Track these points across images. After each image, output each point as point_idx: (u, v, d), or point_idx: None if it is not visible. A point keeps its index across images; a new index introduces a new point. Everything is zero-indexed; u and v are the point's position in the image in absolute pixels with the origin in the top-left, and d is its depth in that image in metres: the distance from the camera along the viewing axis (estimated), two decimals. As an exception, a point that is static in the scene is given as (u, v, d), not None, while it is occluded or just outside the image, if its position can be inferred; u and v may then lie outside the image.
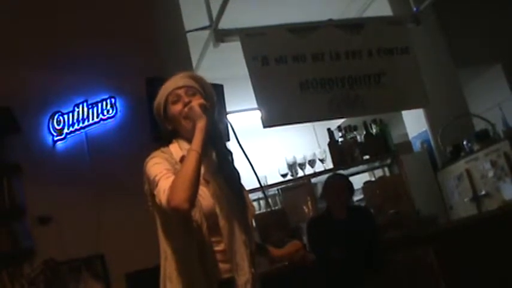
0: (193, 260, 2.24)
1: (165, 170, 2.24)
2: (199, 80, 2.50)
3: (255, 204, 3.77)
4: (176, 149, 2.40)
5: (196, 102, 2.33)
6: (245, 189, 2.52)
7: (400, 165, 6.00)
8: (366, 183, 6.18)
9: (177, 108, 2.39)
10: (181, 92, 2.41)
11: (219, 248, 2.29)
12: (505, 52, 7.66)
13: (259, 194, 5.68)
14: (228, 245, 2.29)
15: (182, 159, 2.28)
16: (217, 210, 2.30)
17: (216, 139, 2.43)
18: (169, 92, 2.42)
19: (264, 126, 5.25)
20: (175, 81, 2.45)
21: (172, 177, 2.16)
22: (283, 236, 5.03)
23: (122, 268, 4.35)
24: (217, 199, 2.32)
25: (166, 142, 2.46)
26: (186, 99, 2.37)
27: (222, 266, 2.28)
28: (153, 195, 2.25)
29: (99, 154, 4.66)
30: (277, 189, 6.02)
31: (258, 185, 2.53)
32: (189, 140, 2.28)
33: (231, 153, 2.49)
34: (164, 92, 2.45)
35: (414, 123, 7.37)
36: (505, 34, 7.46)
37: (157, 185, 2.18)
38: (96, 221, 4.42)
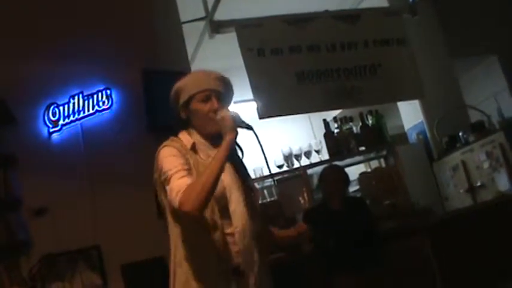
0: (205, 243, 2.33)
1: (180, 165, 2.31)
2: (229, 85, 2.59)
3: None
4: (186, 137, 2.48)
5: (226, 112, 2.40)
6: (250, 176, 2.64)
7: (396, 156, 6.01)
8: (361, 174, 6.19)
9: (204, 107, 2.46)
10: (212, 95, 2.47)
11: (228, 230, 2.37)
12: (500, 43, 7.67)
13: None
14: (238, 227, 2.37)
15: (193, 146, 2.41)
16: (228, 194, 2.39)
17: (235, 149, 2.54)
18: (200, 90, 2.47)
19: (260, 118, 5.24)
20: (208, 81, 2.51)
21: (186, 178, 2.26)
22: (280, 227, 5.03)
23: (118, 259, 4.35)
24: (228, 184, 2.40)
25: (172, 131, 2.53)
26: (216, 105, 2.44)
27: (232, 248, 2.36)
28: (162, 185, 2.35)
29: (95, 145, 4.65)
30: (273, 180, 6.03)
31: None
32: (201, 133, 2.48)
33: (238, 144, 2.57)
34: (194, 86, 2.49)
35: (410, 115, 7.38)
36: (500, 25, 7.47)
37: (169, 181, 2.27)
38: (92, 212, 4.42)
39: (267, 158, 2.51)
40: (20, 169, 4.38)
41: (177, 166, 2.30)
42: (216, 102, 2.46)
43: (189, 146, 2.42)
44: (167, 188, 2.27)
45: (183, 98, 2.49)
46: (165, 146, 2.43)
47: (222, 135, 2.36)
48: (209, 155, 2.41)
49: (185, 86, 2.51)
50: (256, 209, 2.56)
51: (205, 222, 2.32)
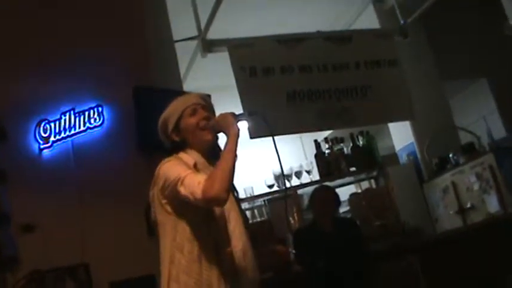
0: (211, 257, 2.37)
1: (190, 169, 2.36)
2: (209, 100, 2.71)
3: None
4: (186, 156, 2.51)
5: (220, 114, 2.51)
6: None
7: (387, 177, 6.02)
8: (352, 195, 6.19)
9: (194, 119, 2.55)
10: (198, 107, 2.58)
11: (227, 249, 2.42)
12: (489, 66, 7.75)
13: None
14: (239, 246, 2.42)
15: (195, 165, 2.42)
16: (226, 213, 2.44)
17: (219, 153, 2.54)
18: (186, 106, 2.58)
19: (251, 137, 5.24)
20: (190, 98, 2.65)
21: (200, 174, 2.31)
22: (270, 247, 5.01)
23: (107, 277, 4.31)
24: (227, 205, 2.42)
25: (171, 153, 2.56)
26: (205, 114, 2.56)
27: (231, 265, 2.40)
28: (164, 194, 2.39)
29: (85, 162, 4.63)
30: (264, 200, 6.01)
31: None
32: (200, 151, 2.53)
33: None
34: (181, 105, 2.60)
35: (401, 136, 7.40)
36: (489, 49, 7.56)
37: (182, 181, 2.29)
38: (81, 230, 4.39)
39: (281, 159, 2.64)
40: (9, 185, 4.35)
41: (187, 170, 2.35)
42: (204, 112, 2.57)
43: (191, 164, 2.43)
44: (180, 188, 2.29)
45: (172, 123, 2.57)
46: (169, 160, 2.46)
47: (217, 152, 2.45)
48: None
49: (170, 112, 2.60)
50: (247, 230, 2.58)
51: (210, 238, 2.38)
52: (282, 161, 2.65)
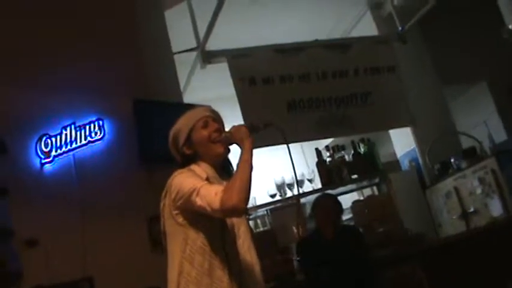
0: (222, 271, 2.36)
1: (204, 180, 2.36)
2: (218, 114, 2.68)
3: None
4: (198, 168, 2.50)
5: (234, 126, 2.51)
6: None
7: (389, 184, 6.00)
8: (354, 202, 6.18)
9: (206, 132, 2.54)
10: (210, 119, 2.58)
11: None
12: (489, 69, 7.75)
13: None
14: (246, 261, 2.45)
15: (207, 179, 2.41)
16: (236, 228, 2.47)
17: (229, 167, 2.60)
18: (198, 118, 2.57)
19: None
20: (200, 112, 2.63)
21: (215, 185, 2.31)
22: (273, 257, 5.01)
23: (111, 291, 4.32)
24: (236, 220, 2.48)
25: (182, 166, 2.55)
26: (217, 126, 2.57)
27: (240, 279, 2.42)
28: (177, 205, 2.38)
29: (87, 176, 4.63)
30: (266, 210, 6.01)
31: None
32: (211, 164, 2.52)
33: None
34: (192, 118, 2.59)
35: (402, 142, 7.40)
36: (489, 52, 7.55)
37: (198, 192, 2.29)
38: (83, 244, 4.39)
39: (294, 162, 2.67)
40: (11, 200, 4.35)
41: (201, 181, 2.34)
42: (215, 124, 2.57)
43: (203, 177, 2.42)
44: (197, 199, 2.28)
45: (183, 136, 2.56)
46: (181, 172, 2.45)
47: (227, 166, 2.52)
48: None
49: (180, 126, 2.59)
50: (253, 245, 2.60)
51: (222, 252, 2.38)
52: (289, 170, 2.66)
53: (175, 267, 2.38)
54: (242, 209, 2.25)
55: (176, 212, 2.41)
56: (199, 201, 2.27)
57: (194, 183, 2.33)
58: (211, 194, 2.25)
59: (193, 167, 2.50)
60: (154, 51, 5.33)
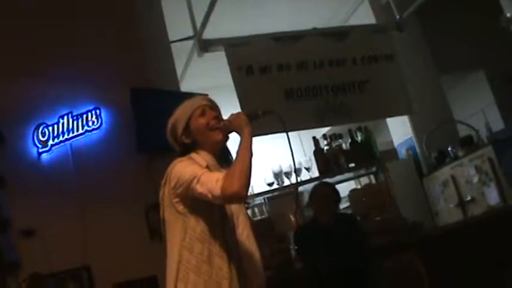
0: (222, 259, 2.37)
1: (205, 168, 2.37)
2: (214, 102, 2.68)
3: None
4: (198, 156, 2.50)
5: (233, 113, 2.52)
6: None
7: (386, 172, 6.00)
8: (352, 191, 6.19)
9: (204, 120, 2.54)
10: (207, 108, 2.58)
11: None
12: (487, 58, 7.75)
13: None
14: (245, 249, 2.46)
15: (207, 167, 2.41)
16: (235, 216, 2.48)
17: (228, 155, 2.61)
18: (195, 107, 2.57)
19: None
20: (197, 100, 2.64)
21: (216, 172, 2.32)
22: (271, 245, 5.02)
23: (109, 279, 4.32)
24: (234, 207, 2.50)
25: (181, 156, 2.54)
26: (214, 113, 2.57)
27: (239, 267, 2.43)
28: (177, 193, 2.38)
29: (84, 165, 4.64)
30: (264, 198, 6.01)
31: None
32: (210, 152, 2.51)
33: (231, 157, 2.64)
34: (189, 107, 2.59)
35: (399, 130, 7.40)
36: (487, 40, 7.54)
37: (199, 179, 2.29)
38: (81, 232, 4.40)
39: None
40: (8, 189, 4.35)
41: (202, 169, 2.35)
42: (213, 112, 2.57)
43: (203, 165, 2.42)
44: (197, 186, 2.28)
45: (181, 126, 2.56)
46: (181, 160, 2.46)
47: (226, 155, 2.55)
48: None
49: (179, 115, 2.59)
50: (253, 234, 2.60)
51: (222, 240, 2.39)
52: (286, 158, 2.67)
53: (175, 256, 2.38)
54: (243, 195, 2.26)
55: (176, 200, 2.41)
56: (200, 188, 2.28)
57: (195, 170, 2.33)
58: (212, 181, 2.25)
59: (193, 155, 2.50)
60: (152, 40, 5.31)
